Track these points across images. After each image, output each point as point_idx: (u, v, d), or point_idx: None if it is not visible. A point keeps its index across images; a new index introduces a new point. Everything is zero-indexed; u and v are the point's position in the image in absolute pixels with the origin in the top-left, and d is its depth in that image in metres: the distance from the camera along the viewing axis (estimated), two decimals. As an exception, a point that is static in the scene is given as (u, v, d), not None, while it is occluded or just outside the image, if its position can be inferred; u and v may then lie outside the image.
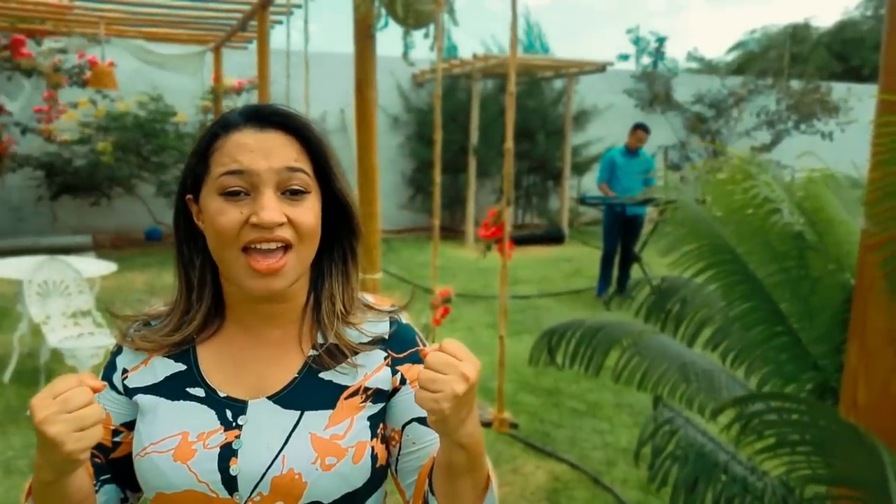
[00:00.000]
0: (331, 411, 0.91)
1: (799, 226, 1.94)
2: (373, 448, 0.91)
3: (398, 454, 0.94)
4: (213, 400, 0.92)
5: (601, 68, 9.88)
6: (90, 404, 0.76)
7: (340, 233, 0.97)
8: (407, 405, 0.93)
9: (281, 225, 0.87)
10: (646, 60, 11.84)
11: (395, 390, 0.95)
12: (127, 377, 0.96)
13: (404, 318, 1.00)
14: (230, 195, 0.87)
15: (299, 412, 0.90)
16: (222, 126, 0.91)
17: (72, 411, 0.75)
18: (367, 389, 0.93)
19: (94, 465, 0.94)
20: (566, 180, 10.66)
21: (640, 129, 6.93)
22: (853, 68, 17.81)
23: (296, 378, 0.93)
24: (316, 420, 0.90)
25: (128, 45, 7.66)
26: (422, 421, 0.92)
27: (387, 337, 0.97)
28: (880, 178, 1.62)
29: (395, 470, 0.94)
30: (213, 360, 0.95)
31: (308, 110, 5.40)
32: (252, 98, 8.60)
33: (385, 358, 0.95)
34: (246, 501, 0.87)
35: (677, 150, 11.76)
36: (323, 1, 8.10)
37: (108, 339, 4.10)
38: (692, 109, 11.75)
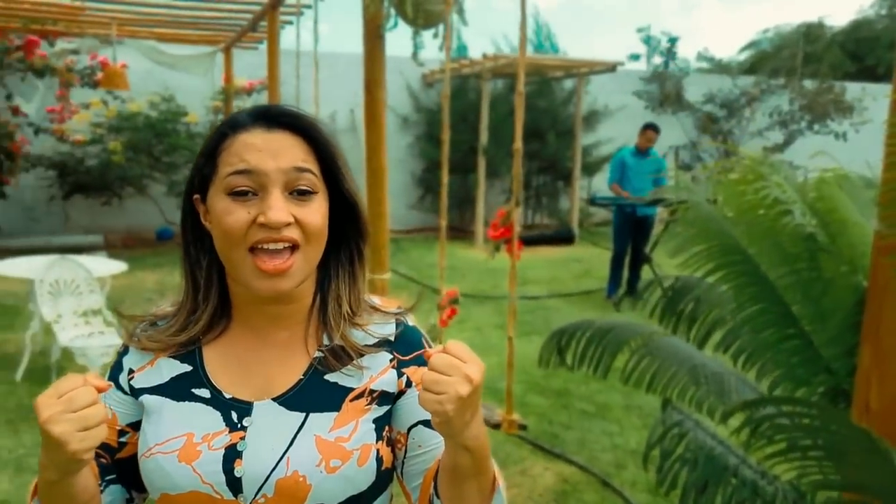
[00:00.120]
0: (336, 413, 0.90)
1: (811, 227, 1.92)
2: (378, 451, 0.90)
3: (404, 457, 0.93)
4: (218, 401, 0.92)
5: (611, 68, 9.84)
6: (95, 404, 0.76)
7: (348, 233, 0.97)
8: (412, 408, 0.92)
9: (288, 225, 0.86)
10: (657, 60, 11.78)
11: (401, 393, 0.94)
12: (133, 378, 0.96)
13: (410, 320, 1.00)
14: (238, 195, 0.87)
15: (304, 414, 0.90)
16: (230, 126, 0.91)
17: (76, 411, 0.75)
18: (372, 392, 0.93)
19: (99, 465, 0.94)
20: (576, 181, 10.63)
21: (650, 129, 6.89)
22: (868, 68, 17.65)
23: (301, 380, 0.93)
24: (321, 422, 0.89)
25: (139, 45, 7.72)
26: (428, 424, 0.91)
27: (392, 339, 0.96)
28: (894, 179, 1.60)
29: (401, 473, 0.94)
30: (219, 362, 0.95)
31: (318, 111, 5.42)
32: (262, 99, 8.63)
33: (391, 360, 0.95)
34: (250, 503, 0.86)
35: (688, 151, 11.70)
36: (333, 1, 8.11)
37: (118, 339, 4.13)
38: (703, 109, 11.68)
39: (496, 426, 3.79)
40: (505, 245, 3.90)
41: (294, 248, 0.88)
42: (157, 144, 8.76)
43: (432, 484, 0.89)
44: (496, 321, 5.99)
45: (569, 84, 11.01)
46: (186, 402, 0.92)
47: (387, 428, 0.93)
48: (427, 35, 3.69)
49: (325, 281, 0.97)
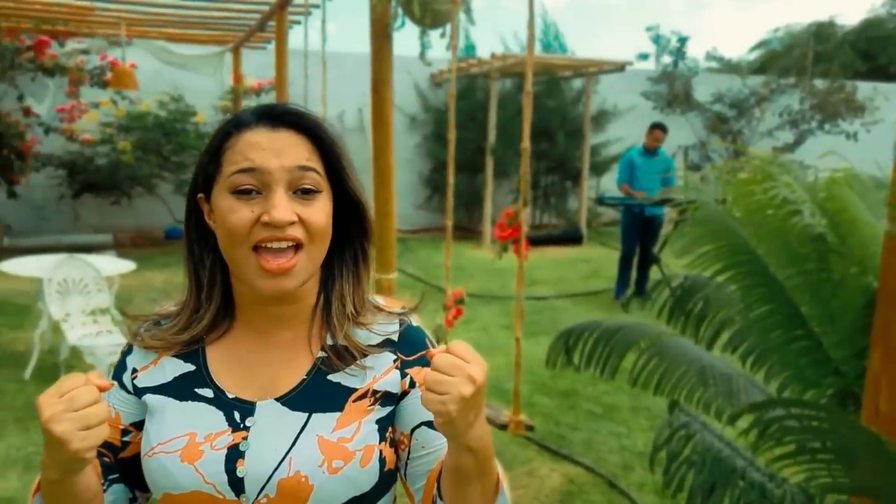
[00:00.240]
0: (339, 414, 0.90)
1: (820, 227, 1.90)
2: (381, 452, 0.90)
3: (407, 458, 0.92)
4: (221, 401, 0.91)
5: (620, 68, 9.81)
6: (96, 403, 0.76)
7: (352, 233, 0.96)
8: (416, 409, 0.91)
9: (292, 224, 0.86)
10: (666, 60, 11.73)
11: (405, 393, 0.93)
12: (136, 377, 0.96)
13: (414, 320, 0.99)
14: (241, 193, 0.86)
15: (307, 414, 0.89)
16: (235, 125, 0.90)
17: (78, 410, 0.75)
18: (375, 392, 0.92)
19: (102, 464, 0.94)
20: (585, 180, 10.60)
21: (658, 128, 6.87)
22: (879, 67, 17.51)
23: (304, 380, 0.92)
24: (324, 422, 0.89)
25: (148, 45, 7.76)
26: (431, 424, 0.90)
27: (396, 339, 0.96)
28: (905, 179, 1.58)
29: (405, 474, 0.93)
30: (223, 361, 0.94)
31: (326, 110, 5.43)
32: (271, 99, 8.66)
33: (394, 360, 0.94)
34: (252, 503, 0.86)
35: (697, 151, 11.65)
36: (341, 1, 8.12)
37: (125, 338, 4.14)
38: (712, 109, 11.62)
39: (503, 427, 3.78)
40: (512, 245, 3.89)
41: (298, 247, 0.87)
42: (166, 144, 8.80)
43: (436, 485, 0.88)
44: (503, 321, 5.98)
45: (577, 83, 10.99)
46: (189, 402, 0.92)
47: (390, 429, 0.93)
48: (434, 34, 3.69)
49: (328, 281, 0.96)
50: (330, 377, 0.92)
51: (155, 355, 0.96)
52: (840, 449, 1.49)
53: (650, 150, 6.91)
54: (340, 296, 0.95)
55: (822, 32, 17.23)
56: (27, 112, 7.94)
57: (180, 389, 0.93)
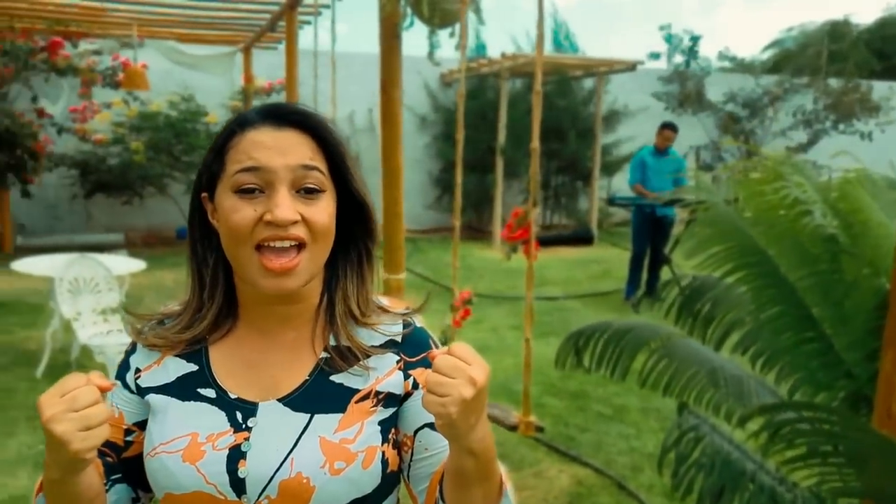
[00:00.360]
0: (341, 415, 0.89)
1: (832, 228, 1.87)
2: (383, 453, 0.89)
3: (410, 460, 0.92)
4: (223, 401, 0.91)
5: (631, 67, 9.77)
6: (97, 403, 0.76)
7: (356, 233, 0.96)
8: (419, 410, 0.90)
9: (295, 223, 0.86)
10: (678, 59, 11.66)
11: (408, 395, 0.93)
12: (140, 377, 0.96)
13: (418, 321, 0.98)
14: (245, 192, 0.86)
15: (309, 415, 0.89)
16: (239, 124, 0.90)
17: (78, 410, 0.75)
18: (378, 393, 0.91)
19: (105, 463, 0.94)
20: (596, 180, 10.56)
21: (668, 128, 6.82)
22: (895, 66, 17.33)
23: (307, 380, 0.92)
24: (326, 423, 0.88)
25: (160, 45, 7.81)
26: (434, 426, 0.89)
27: (399, 340, 0.95)
28: (919, 179, 1.56)
29: (408, 476, 0.93)
30: (225, 362, 0.94)
31: (335, 110, 5.44)
32: (281, 99, 8.68)
33: (397, 361, 0.94)
34: (254, 504, 0.86)
35: (709, 151, 11.57)
36: (351, 1, 8.13)
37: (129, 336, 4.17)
38: (724, 109, 11.54)
39: (513, 428, 3.76)
40: (522, 246, 3.87)
41: (300, 246, 0.87)
42: (177, 144, 8.84)
43: (438, 487, 0.87)
44: (513, 322, 5.96)
45: (588, 83, 10.94)
46: (192, 402, 0.91)
47: (393, 430, 0.92)
48: (444, 34, 3.68)
49: (332, 281, 0.96)
50: (333, 378, 0.92)
51: (158, 355, 0.96)
52: (852, 452, 1.47)
53: (661, 150, 6.86)
54: (344, 296, 0.95)
55: (836, 31, 17.07)
56: (41, 113, 8.01)
57: (183, 389, 0.93)
